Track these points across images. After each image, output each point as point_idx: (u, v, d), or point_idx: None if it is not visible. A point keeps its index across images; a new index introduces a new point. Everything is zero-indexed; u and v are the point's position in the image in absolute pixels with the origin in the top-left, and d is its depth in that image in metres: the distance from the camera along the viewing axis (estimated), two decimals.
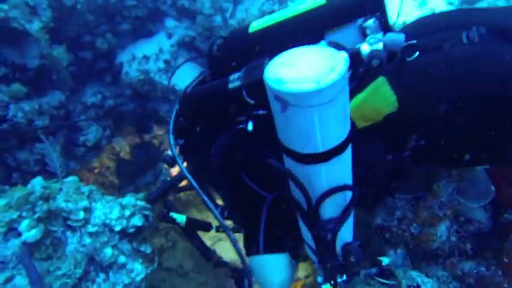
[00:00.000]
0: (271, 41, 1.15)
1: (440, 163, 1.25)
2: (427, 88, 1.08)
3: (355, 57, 1.00)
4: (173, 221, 1.39)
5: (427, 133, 1.11)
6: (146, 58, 3.83)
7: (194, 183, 1.16)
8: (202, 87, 1.28)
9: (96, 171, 3.80)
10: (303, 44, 0.93)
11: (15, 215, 1.65)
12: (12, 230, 1.65)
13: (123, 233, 2.17)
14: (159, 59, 3.83)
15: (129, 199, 2.32)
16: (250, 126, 1.14)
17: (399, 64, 1.07)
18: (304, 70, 0.74)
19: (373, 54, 1.00)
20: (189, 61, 1.60)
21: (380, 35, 1.04)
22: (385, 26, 1.07)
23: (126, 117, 4.04)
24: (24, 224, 1.64)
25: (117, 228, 2.13)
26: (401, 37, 1.03)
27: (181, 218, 1.39)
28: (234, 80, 1.12)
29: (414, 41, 1.09)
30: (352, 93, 1.08)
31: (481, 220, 1.44)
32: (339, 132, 0.81)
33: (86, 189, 2.14)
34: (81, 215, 1.98)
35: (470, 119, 1.05)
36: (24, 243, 1.64)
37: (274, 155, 0.93)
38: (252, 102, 1.10)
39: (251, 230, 1.27)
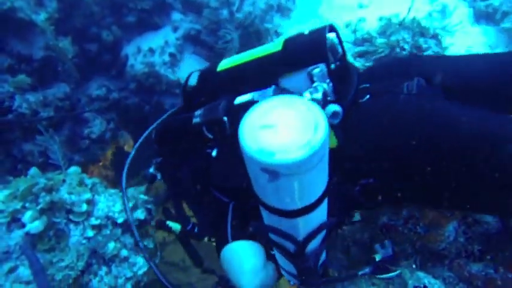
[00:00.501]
0: (234, 81, 1.26)
1: (390, 202, 1.32)
2: (367, 131, 1.21)
3: None
4: (169, 229, 1.52)
5: (374, 172, 1.20)
6: (151, 51, 3.83)
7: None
8: (173, 120, 1.46)
9: (100, 164, 3.82)
10: (261, 86, 1.13)
11: (18, 206, 1.65)
12: (16, 220, 1.66)
13: (126, 227, 2.17)
14: (164, 52, 3.82)
15: (131, 192, 2.32)
16: (214, 153, 1.28)
17: (349, 105, 1.19)
18: (287, 131, 0.70)
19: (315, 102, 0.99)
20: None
21: (325, 84, 1.13)
22: (330, 74, 1.15)
23: (130, 111, 4.05)
24: (27, 215, 1.65)
25: (120, 221, 2.13)
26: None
27: (176, 227, 1.49)
28: (197, 116, 1.25)
29: (367, 85, 1.26)
30: None
31: (490, 221, 1.42)
32: (323, 184, 0.83)
33: (89, 181, 2.15)
34: (84, 207, 1.98)
35: (402, 165, 1.16)
36: (27, 234, 1.65)
37: (236, 177, 1.11)
38: (211, 137, 1.23)
39: (220, 234, 1.30)
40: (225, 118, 1.20)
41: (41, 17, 2.75)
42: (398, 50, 2.51)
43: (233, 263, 1.22)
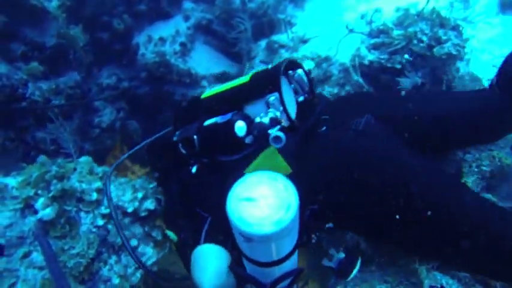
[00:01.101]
0: (212, 107, 1.46)
1: (338, 228, 1.45)
2: (316, 161, 1.36)
3: (249, 126, 1.32)
4: (168, 237, 1.68)
5: (318, 200, 1.33)
6: (162, 40, 3.83)
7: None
8: (159, 138, 1.87)
9: (110, 153, 3.86)
10: (230, 111, 1.36)
11: (31, 192, 1.69)
12: (29, 207, 1.69)
13: (136, 216, 2.20)
14: (175, 42, 3.82)
15: (142, 182, 2.35)
16: (193, 169, 1.49)
17: (303, 133, 1.38)
18: (264, 207, 0.90)
19: (259, 125, 1.28)
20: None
21: (278, 112, 1.30)
22: (283, 103, 1.32)
23: (140, 100, 4.07)
24: (40, 202, 1.68)
25: (130, 211, 2.16)
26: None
27: (173, 236, 1.64)
28: (176, 135, 1.49)
29: (327, 117, 1.43)
30: (249, 157, 1.40)
31: None
32: (293, 242, 1.04)
33: (99, 170, 2.17)
34: (95, 196, 2.01)
35: (344, 196, 1.30)
36: (39, 220, 1.69)
37: (210, 196, 1.37)
38: (184, 152, 1.45)
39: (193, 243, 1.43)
40: (195, 137, 1.40)
41: (53, 4, 2.77)
42: (415, 41, 2.46)
43: (198, 262, 1.29)
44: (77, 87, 3.12)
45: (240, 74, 3.90)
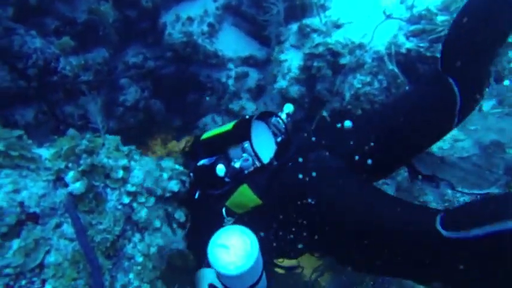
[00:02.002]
0: (206, 148, 1.96)
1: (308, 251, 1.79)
2: (279, 193, 1.65)
3: (227, 168, 1.76)
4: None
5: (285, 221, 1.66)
6: (190, 20, 3.80)
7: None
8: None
9: (134, 131, 3.91)
10: (218, 153, 1.87)
11: (62, 165, 1.72)
12: (59, 179, 1.73)
13: (160, 197, 2.23)
14: (203, 22, 3.79)
15: (167, 162, 2.37)
16: (196, 196, 2.05)
17: (274, 171, 1.70)
18: (232, 255, 1.31)
19: (233, 169, 1.75)
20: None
21: (249, 157, 1.72)
22: (253, 149, 1.71)
23: (164, 80, 4.09)
24: (70, 175, 1.72)
25: (155, 191, 2.19)
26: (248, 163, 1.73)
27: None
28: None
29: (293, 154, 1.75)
30: (229, 192, 1.76)
31: None
32: (258, 274, 1.41)
33: (125, 148, 2.20)
34: (121, 173, 2.03)
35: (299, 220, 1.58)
36: (70, 193, 1.72)
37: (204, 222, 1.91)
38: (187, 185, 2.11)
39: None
40: (191, 174, 2.12)
41: None
42: None
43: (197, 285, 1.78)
44: (104, 64, 3.16)
45: (267, 58, 3.85)
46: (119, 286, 1.81)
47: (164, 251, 2.11)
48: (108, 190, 1.97)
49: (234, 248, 1.30)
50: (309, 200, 1.51)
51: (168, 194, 2.25)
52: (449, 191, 2.11)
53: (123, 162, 2.05)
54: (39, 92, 2.56)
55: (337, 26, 3.12)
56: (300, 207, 1.56)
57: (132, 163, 2.19)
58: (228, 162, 1.77)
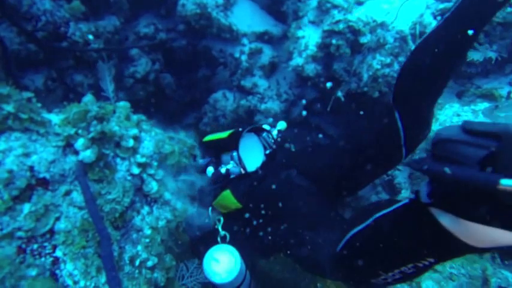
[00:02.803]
0: (206, 149, 2.30)
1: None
2: (256, 199, 1.91)
3: (215, 171, 2.07)
4: None
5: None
6: None
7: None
8: None
9: (142, 104, 3.85)
10: (214, 156, 2.21)
11: (72, 131, 1.67)
12: (69, 145, 1.68)
13: (170, 170, 2.18)
14: None
15: (178, 135, 2.31)
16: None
17: (255, 177, 1.95)
18: (221, 268, 1.72)
19: (218, 173, 2.04)
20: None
21: (236, 166, 2.02)
22: (240, 160, 2.03)
23: (176, 53, 3.98)
24: (80, 142, 1.67)
25: (166, 163, 2.14)
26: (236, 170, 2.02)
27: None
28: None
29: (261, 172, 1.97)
30: (216, 193, 2.07)
31: None
32: (239, 282, 1.78)
33: (134, 117, 2.14)
34: (131, 142, 1.98)
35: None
36: (80, 161, 1.68)
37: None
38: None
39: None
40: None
41: None
42: None
43: None
44: (115, 33, 3.06)
45: (283, 35, 3.73)
46: (127, 257, 1.79)
47: (173, 225, 2.08)
48: (118, 160, 1.93)
49: (223, 263, 1.73)
50: (278, 205, 1.84)
51: (178, 168, 2.21)
52: None
53: (134, 131, 1.99)
54: (49, 58, 2.48)
55: (359, 3, 2.98)
56: (268, 215, 1.88)
57: (142, 134, 2.14)
58: (217, 166, 2.09)
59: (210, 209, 2.06)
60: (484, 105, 2.27)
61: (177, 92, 4.36)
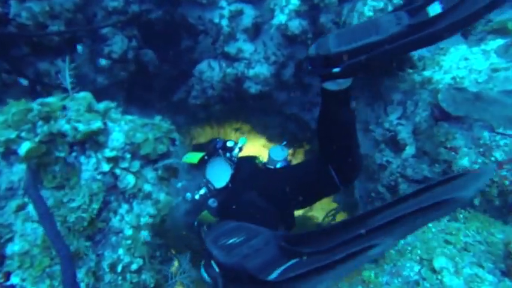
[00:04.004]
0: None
1: None
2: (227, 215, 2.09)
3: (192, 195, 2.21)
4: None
5: None
6: None
7: None
8: None
9: (125, 85, 3.47)
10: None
11: (13, 135, 1.33)
12: (12, 152, 1.35)
13: (147, 159, 1.86)
14: None
15: (153, 121, 1.96)
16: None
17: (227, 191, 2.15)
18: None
19: (195, 202, 2.19)
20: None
21: (205, 187, 2.19)
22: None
23: (153, 26, 3.51)
24: (24, 147, 1.34)
25: (142, 153, 1.81)
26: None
27: None
28: None
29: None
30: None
31: None
32: None
33: (101, 106, 1.78)
34: (96, 137, 1.65)
35: None
36: (29, 169, 1.36)
37: None
38: None
39: None
40: None
41: None
42: None
43: None
44: (77, 11, 2.61)
45: None
46: (106, 265, 1.52)
47: (157, 219, 1.80)
48: (82, 158, 1.60)
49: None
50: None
51: (156, 156, 1.88)
52: (487, 134, 1.67)
53: (97, 124, 1.64)
54: None
55: None
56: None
57: (110, 124, 1.79)
58: (191, 190, 2.19)
59: (195, 223, 2.18)
60: (496, 42, 1.84)
61: (163, 68, 3.94)
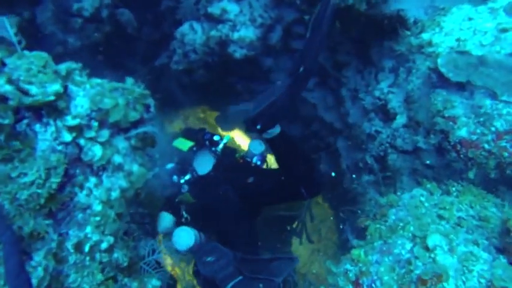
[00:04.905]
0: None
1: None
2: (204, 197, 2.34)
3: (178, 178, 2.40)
4: None
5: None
6: None
7: None
8: None
9: (101, 48, 3.10)
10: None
11: None
12: None
13: (118, 127, 1.61)
14: None
15: (124, 85, 1.69)
16: None
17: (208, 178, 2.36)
18: (181, 240, 1.96)
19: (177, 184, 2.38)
20: None
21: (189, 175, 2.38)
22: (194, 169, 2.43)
23: None
24: None
25: (110, 121, 1.56)
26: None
27: None
28: None
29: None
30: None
31: None
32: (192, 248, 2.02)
33: (62, 67, 1.50)
34: (55, 102, 1.38)
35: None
36: None
37: None
38: None
39: None
40: None
41: None
42: None
43: None
44: None
45: None
46: (70, 246, 1.31)
47: (130, 193, 1.59)
48: (37, 127, 1.34)
49: (183, 237, 1.96)
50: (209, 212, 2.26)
51: (127, 124, 1.63)
52: (489, 102, 1.48)
53: (54, 87, 1.37)
54: None
55: None
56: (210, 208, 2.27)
57: (73, 88, 1.52)
58: (180, 173, 2.37)
59: (176, 200, 2.33)
60: None
61: (144, 31, 3.56)
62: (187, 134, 2.54)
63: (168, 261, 2.38)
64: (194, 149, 2.40)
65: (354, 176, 2.66)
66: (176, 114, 4.07)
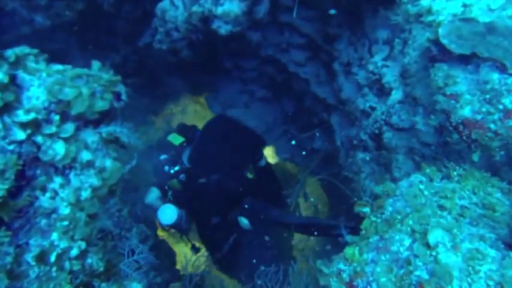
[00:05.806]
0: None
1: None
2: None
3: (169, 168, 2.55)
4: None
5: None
6: None
7: None
8: None
9: (76, 28, 2.79)
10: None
11: None
12: None
13: (84, 120, 1.39)
14: None
15: (88, 71, 1.45)
16: None
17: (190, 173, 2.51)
18: (166, 215, 2.17)
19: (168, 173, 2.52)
20: None
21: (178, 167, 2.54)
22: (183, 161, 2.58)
23: None
24: None
25: (73, 113, 1.34)
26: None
27: None
28: None
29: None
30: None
31: None
32: (176, 222, 2.24)
33: (10, 53, 1.25)
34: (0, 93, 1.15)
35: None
36: None
37: None
38: None
39: None
40: None
41: None
42: None
43: None
44: None
45: None
46: (30, 258, 1.13)
47: (103, 191, 1.39)
48: None
49: (168, 213, 2.16)
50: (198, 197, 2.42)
51: (95, 116, 1.41)
52: (496, 76, 1.26)
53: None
54: None
55: None
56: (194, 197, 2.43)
57: (26, 76, 1.28)
58: (171, 164, 2.49)
59: (166, 187, 2.39)
60: None
61: (123, 8, 3.21)
62: (180, 129, 2.70)
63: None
64: (184, 144, 2.57)
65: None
66: (166, 102, 3.80)
